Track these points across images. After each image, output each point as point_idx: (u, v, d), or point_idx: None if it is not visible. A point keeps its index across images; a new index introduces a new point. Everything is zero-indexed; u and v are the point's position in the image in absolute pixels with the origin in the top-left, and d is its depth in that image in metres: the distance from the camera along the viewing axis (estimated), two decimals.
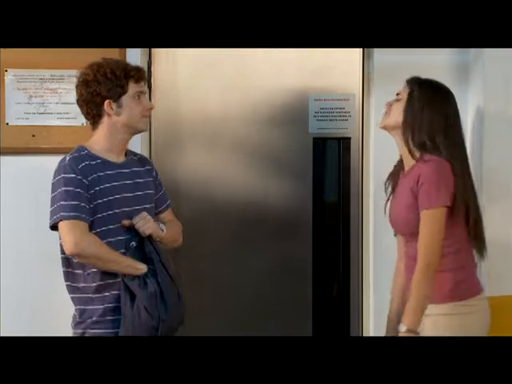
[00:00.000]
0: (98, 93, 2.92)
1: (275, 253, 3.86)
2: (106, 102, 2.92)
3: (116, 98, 2.92)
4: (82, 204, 2.83)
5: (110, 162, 2.94)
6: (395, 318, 3.01)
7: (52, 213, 2.87)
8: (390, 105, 3.03)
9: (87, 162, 2.88)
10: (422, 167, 2.88)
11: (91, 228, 2.86)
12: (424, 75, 3.06)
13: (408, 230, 2.95)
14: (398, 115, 2.98)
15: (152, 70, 3.83)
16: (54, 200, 2.88)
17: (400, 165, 3.09)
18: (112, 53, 3.60)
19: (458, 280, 2.91)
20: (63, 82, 3.68)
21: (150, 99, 3.69)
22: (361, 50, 3.87)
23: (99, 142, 2.95)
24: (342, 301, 3.90)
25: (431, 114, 2.94)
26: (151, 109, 3.04)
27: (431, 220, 2.86)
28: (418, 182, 2.87)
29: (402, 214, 2.96)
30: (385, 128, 3.05)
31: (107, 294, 2.88)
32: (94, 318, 2.87)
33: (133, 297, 2.85)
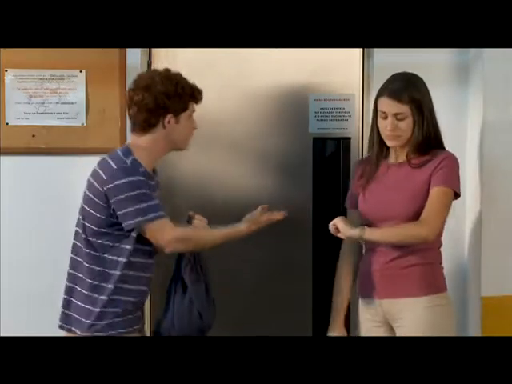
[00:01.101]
0: (165, 106, 2.91)
1: (275, 253, 3.86)
2: (169, 115, 2.92)
3: (177, 114, 2.94)
4: (159, 202, 2.88)
5: (149, 173, 2.94)
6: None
7: (133, 215, 2.82)
8: (395, 126, 2.99)
9: (141, 168, 2.89)
10: (445, 154, 3.00)
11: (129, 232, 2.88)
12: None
13: (393, 214, 2.99)
14: (406, 133, 3.00)
15: None
16: (124, 203, 2.82)
17: (381, 153, 3.10)
18: (112, 53, 3.61)
19: (437, 273, 3.02)
20: (63, 82, 3.68)
21: None
22: (361, 50, 3.86)
23: (146, 152, 2.93)
24: None
25: (431, 115, 3.01)
26: (196, 129, 3.06)
27: (446, 197, 2.97)
28: (439, 164, 2.96)
29: (400, 200, 2.98)
30: (395, 146, 3.07)
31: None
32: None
33: (184, 294, 2.95)
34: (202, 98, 3.01)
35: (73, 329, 2.89)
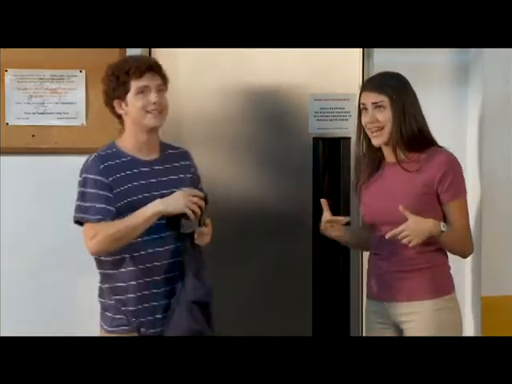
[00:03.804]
0: (107, 93, 2.97)
1: (275, 253, 3.86)
2: (115, 101, 2.95)
3: (123, 97, 2.94)
4: (101, 205, 2.85)
5: (139, 160, 2.95)
6: None
7: (75, 209, 2.93)
8: (375, 117, 2.97)
9: (113, 162, 2.90)
10: (444, 156, 2.96)
11: None
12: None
13: (391, 220, 2.94)
14: (386, 125, 2.97)
15: None
16: (77, 196, 2.94)
17: (377, 154, 3.08)
18: (112, 53, 3.61)
19: (443, 275, 3.01)
20: (63, 82, 3.68)
21: None
22: (361, 49, 3.86)
23: (127, 140, 2.98)
24: (341, 301, 3.90)
25: (415, 110, 2.98)
26: (157, 103, 2.94)
27: (464, 209, 2.98)
28: (440, 169, 2.93)
29: (406, 201, 2.92)
30: (380, 144, 3.03)
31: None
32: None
33: None
34: (144, 70, 2.93)
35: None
